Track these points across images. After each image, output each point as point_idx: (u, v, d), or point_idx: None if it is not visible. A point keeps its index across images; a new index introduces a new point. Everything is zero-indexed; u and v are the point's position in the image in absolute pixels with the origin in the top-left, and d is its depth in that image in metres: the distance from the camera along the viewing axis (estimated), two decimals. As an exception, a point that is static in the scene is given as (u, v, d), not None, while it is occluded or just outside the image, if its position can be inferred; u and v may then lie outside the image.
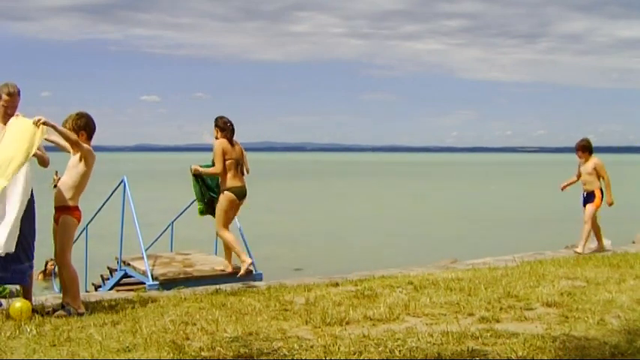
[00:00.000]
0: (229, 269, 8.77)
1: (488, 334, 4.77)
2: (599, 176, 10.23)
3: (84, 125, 5.88)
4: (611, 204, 10.24)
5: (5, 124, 5.93)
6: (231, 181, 8.45)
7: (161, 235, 11.93)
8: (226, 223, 8.56)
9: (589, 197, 10.28)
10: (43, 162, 5.99)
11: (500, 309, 5.62)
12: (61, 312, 5.69)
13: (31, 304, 5.77)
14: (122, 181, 9.32)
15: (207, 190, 8.85)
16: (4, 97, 5.86)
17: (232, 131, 8.53)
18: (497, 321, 5.23)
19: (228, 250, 8.72)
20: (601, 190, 10.24)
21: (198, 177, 8.77)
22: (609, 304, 5.78)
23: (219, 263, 9.21)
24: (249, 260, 8.50)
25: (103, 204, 10.37)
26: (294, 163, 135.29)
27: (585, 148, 10.41)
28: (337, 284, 7.11)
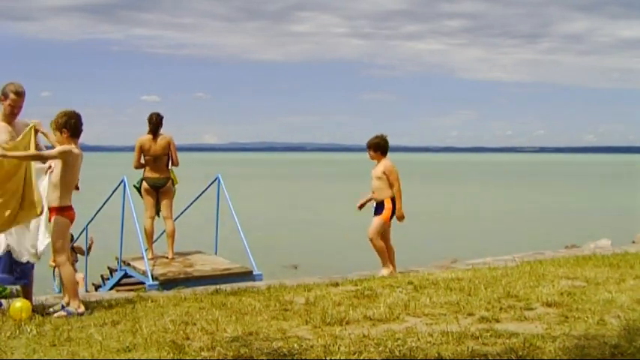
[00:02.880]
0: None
1: (488, 334, 4.77)
2: (391, 183, 8.19)
3: (64, 123, 5.79)
4: (401, 218, 8.27)
5: (10, 123, 5.94)
6: (147, 173, 9.41)
7: (161, 235, 11.92)
8: (147, 208, 9.45)
9: (378, 208, 8.28)
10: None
11: (500, 309, 5.61)
12: (61, 312, 5.70)
13: (31, 304, 5.78)
14: (122, 181, 9.33)
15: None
16: (12, 95, 5.86)
17: (156, 125, 9.29)
18: (497, 321, 5.23)
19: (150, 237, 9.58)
20: (393, 199, 8.21)
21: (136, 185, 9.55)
22: (609, 304, 5.77)
23: (219, 263, 9.22)
24: (149, 255, 9.25)
25: (103, 204, 10.37)
26: (294, 163, 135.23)
27: (377, 147, 8.24)
28: (337, 284, 7.11)
